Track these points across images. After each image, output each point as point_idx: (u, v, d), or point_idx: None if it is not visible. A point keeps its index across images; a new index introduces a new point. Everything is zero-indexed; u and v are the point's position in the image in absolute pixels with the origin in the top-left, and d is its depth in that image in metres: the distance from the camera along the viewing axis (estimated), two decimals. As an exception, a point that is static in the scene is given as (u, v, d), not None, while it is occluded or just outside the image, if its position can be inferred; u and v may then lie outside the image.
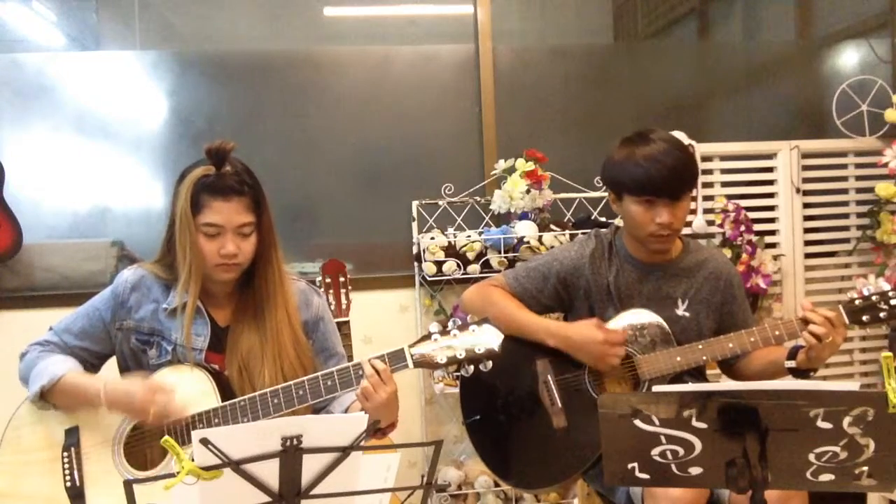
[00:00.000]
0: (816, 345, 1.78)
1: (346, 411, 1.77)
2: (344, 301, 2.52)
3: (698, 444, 1.30)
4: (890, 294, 1.82)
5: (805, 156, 3.07)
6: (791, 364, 1.88)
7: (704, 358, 1.90)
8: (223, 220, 1.63)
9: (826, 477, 1.30)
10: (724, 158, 3.06)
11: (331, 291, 2.50)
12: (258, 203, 1.67)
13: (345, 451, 1.17)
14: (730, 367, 2.06)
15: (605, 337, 1.89)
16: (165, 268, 1.74)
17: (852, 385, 1.25)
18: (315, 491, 1.18)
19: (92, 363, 1.77)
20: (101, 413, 1.65)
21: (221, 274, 1.68)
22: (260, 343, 1.71)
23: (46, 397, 1.66)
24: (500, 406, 2.02)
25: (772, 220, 3.09)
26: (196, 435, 1.09)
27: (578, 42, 3.34)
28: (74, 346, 1.75)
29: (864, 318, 1.82)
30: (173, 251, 1.69)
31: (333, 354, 1.84)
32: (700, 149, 2.95)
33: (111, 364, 1.80)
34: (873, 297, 1.83)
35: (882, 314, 1.82)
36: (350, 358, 1.99)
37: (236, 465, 1.11)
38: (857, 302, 1.84)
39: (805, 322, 1.81)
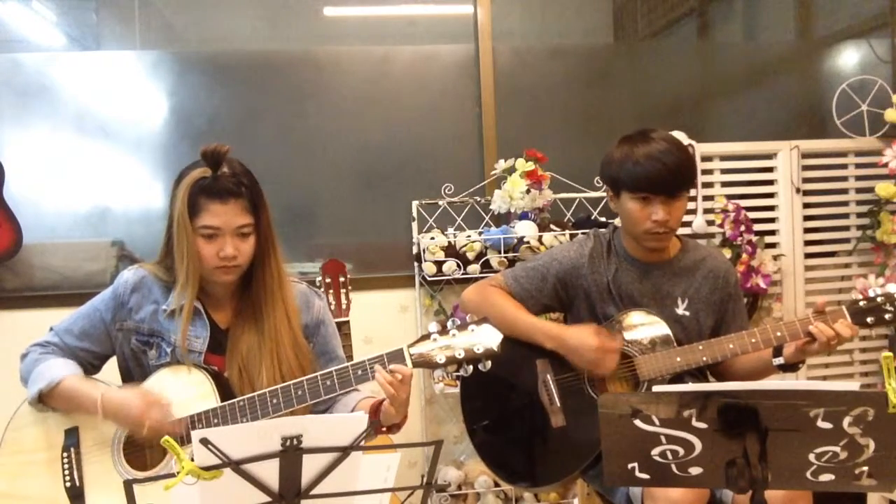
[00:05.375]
0: (824, 343, 1.78)
1: (352, 412, 1.77)
2: (344, 301, 2.52)
3: (698, 444, 1.30)
4: None
5: (805, 156, 3.07)
6: (779, 361, 1.89)
7: (704, 359, 1.90)
8: (221, 222, 1.63)
9: (826, 477, 1.30)
10: (724, 158, 3.06)
11: (331, 291, 2.50)
12: (256, 204, 1.67)
13: (345, 451, 1.17)
14: (716, 365, 2.06)
15: (600, 344, 1.89)
16: (166, 269, 1.74)
17: (852, 385, 1.25)
18: (315, 491, 1.18)
19: (92, 364, 1.77)
20: (100, 417, 1.65)
21: (221, 276, 1.68)
22: (258, 344, 1.71)
23: (44, 401, 1.66)
24: (500, 405, 2.02)
25: (772, 220, 3.08)
26: (196, 435, 1.09)
27: (578, 42, 3.34)
28: (75, 347, 1.74)
29: (869, 319, 1.81)
30: (173, 253, 1.69)
31: (334, 358, 1.84)
32: (700, 149, 2.95)
33: (112, 364, 1.80)
34: (878, 299, 1.81)
35: (887, 315, 1.80)
36: (350, 359, 1.99)
37: (236, 465, 1.11)
38: (861, 303, 1.82)
39: (819, 315, 1.81)
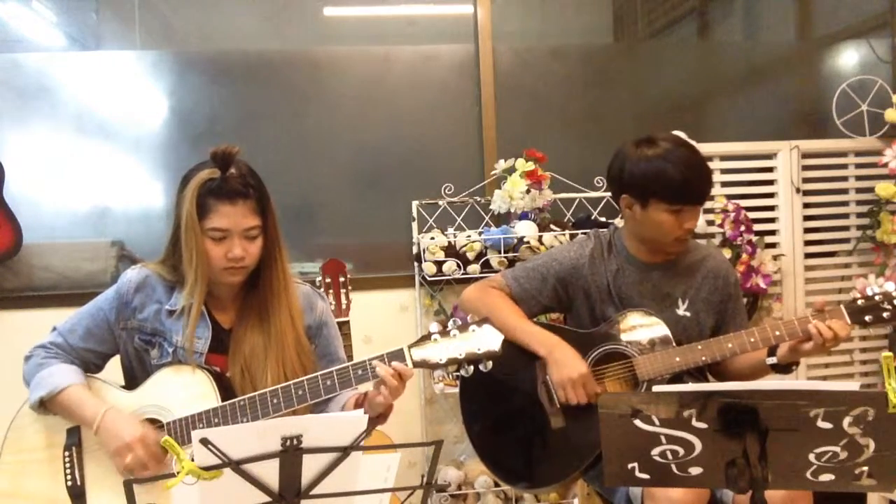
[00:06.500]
0: (820, 344, 1.78)
1: (342, 409, 1.77)
2: (344, 301, 2.52)
3: (698, 444, 1.30)
4: (894, 294, 1.80)
5: (805, 156, 3.07)
6: (773, 360, 1.89)
7: (703, 358, 1.90)
8: (230, 223, 1.62)
9: (826, 477, 1.30)
10: (724, 158, 3.06)
11: (331, 291, 2.51)
12: (263, 205, 1.67)
13: (345, 451, 1.17)
14: (715, 365, 2.06)
15: (581, 379, 1.89)
16: (170, 269, 1.74)
17: (852, 385, 1.25)
18: (315, 491, 1.18)
19: (96, 364, 1.77)
20: (94, 429, 1.64)
21: (228, 277, 1.68)
22: (263, 345, 1.71)
23: (46, 406, 1.67)
24: (500, 406, 2.02)
25: (772, 220, 3.09)
26: (196, 435, 1.09)
27: (578, 42, 3.34)
28: (79, 348, 1.74)
29: (867, 318, 1.80)
30: (178, 253, 1.68)
31: (335, 360, 1.84)
32: (700, 149, 2.94)
33: (114, 362, 1.80)
34: (876, 297, 1.81)
35: (885, 314, 1.80)
36: (350, 359, 1.99)
37: (236, 465, 1.11)
38: (859, 302, 1.82)
39: (818, 314, 1.81)
